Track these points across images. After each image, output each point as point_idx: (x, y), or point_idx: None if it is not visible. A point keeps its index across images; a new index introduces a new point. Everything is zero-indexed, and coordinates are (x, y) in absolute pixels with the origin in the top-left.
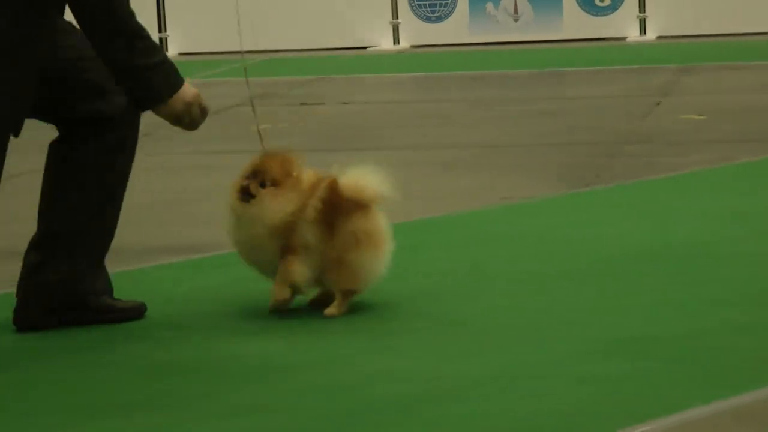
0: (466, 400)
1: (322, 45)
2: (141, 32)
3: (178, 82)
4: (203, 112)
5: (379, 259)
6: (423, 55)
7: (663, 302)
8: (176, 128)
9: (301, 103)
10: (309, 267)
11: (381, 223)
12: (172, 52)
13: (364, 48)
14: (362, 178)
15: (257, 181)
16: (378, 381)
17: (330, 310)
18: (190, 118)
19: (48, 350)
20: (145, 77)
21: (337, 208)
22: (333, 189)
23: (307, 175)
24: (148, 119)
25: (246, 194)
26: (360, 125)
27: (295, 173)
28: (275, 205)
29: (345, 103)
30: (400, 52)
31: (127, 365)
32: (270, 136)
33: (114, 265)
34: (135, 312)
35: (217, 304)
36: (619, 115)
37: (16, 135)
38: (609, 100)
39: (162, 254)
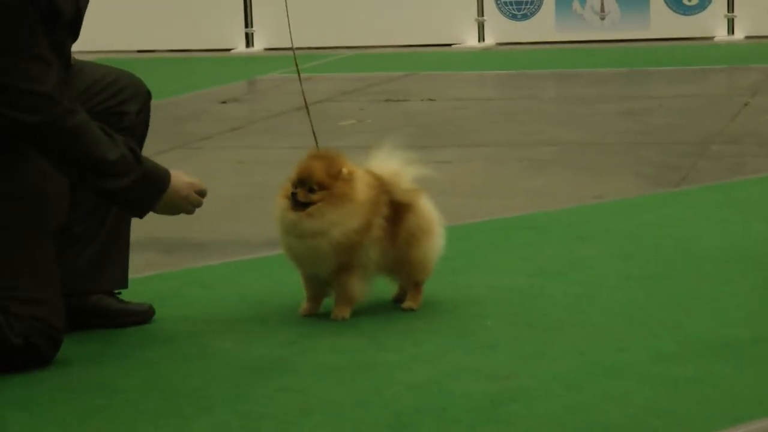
0: (543, 399)
1: (408, 41)
2: (105, 156)
3: (160, 187)
4: (201, 195)
5: (438, 244)
6: (508, 53)
7: (743, 305)
8: (269, 122)
9: (387, 99)
10: (367, 281)
11: (429, 210)
12: (258, 47)
13: (450, 45)
14: (401, 175)
15: (304, 189)
16: (460, 378)
17: (409, 304)
18: (190, 207)
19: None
20: (123, 197)
21: (397, 219)
22: (392, 202)
23: (359, 175)
24: (238, 113)
25: (297, 204)
26: (445, 122)
27: (344, 174)
28: (338, 219)
29: (430, 99)
30: (485, 50)
31: (219, 360)
32: (354, 132)
33: (200, 259)
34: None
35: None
36: (706, 116)
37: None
38: (696, 99)
39: (253, 248)
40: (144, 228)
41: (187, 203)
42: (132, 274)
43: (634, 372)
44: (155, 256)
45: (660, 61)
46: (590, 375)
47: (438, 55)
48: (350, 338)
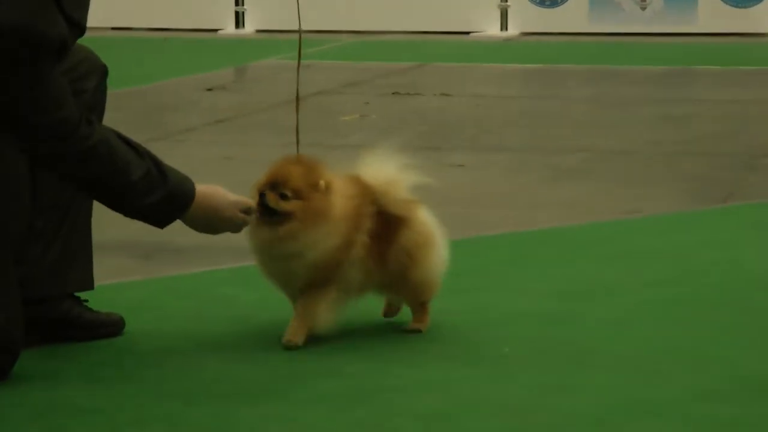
0: None
1: (421, 28)
2: (129, 176)
3: (182, 204)
4: (247, 213)
5: (440, 259)
6: (534, 45)
7: None
8: (261, 115)
9: (394, 93)
10: (338, 308)
11: (427, 223)
12: (249, 28)
13: (467, 33)
14: (395, 184)
15: (276, 193)
16: (472, 411)
17: (415, 325)
18: (234, 228)
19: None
20: (143, 215)
21: (389, 233)
22: (378, 215)
23: (337, 187)
24: (226, 103)
25: (266, 210)
26: (460, 121)
27: (321, 185)
28: (314, 240)
29: (444, 95)
30: (507, 40)
31: (198, 382)
32: (357, 129)
33: (179, 266)
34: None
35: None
36: (758, 123)
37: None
38: (747, 105)
39: (240, 256)
40: (118, 230)
41: (231, 224)
42: (101, 280)
43: (671, 411)
44: (129, 261)
45: (707, 60)
46: (621, 413)
47: (454, 45)
48: (348, 361)
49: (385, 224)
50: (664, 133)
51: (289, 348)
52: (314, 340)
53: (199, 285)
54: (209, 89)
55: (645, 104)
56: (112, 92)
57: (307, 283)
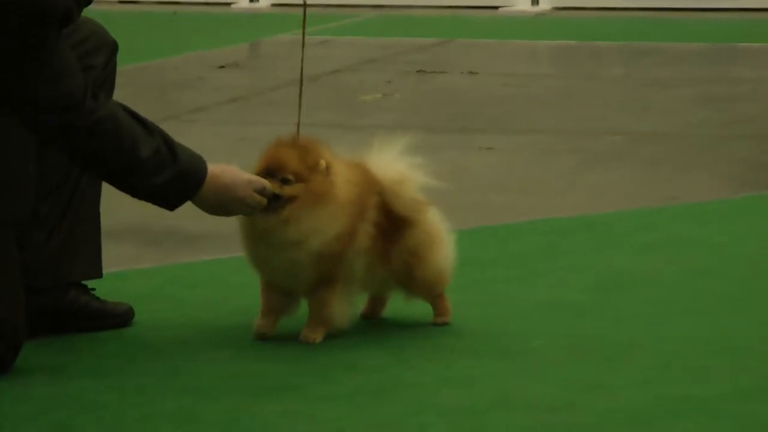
0: None
1: (447, 2)
2: (138, 153)
3: (193, 184)
4: (263, 194)
5: (448, 254)
6: (567, 20)
7: None
8: (276, 93)
9: (418, 71)
10: (350, 301)
11: (434, 222)
12: (264, 2)
13: (496, 8)
14: (404, 181)
15: (277, 180)
16: (501, 409)
17: (440, 319)
18: (248, 209)
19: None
20: (152, 196)
21: (389, 231)
22: (383, 208)
23: (338, 170)
24: (240, 81)
25: (271, 200)
26: (488, 101)
27: (321, 164)
28: (319, 225)
29: (471, 73)
30: (539, 15)
31: (210, 375)
32: (378, 110)
33: (190, 254)
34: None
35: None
36: None
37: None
38: None
39: None
40: (126, 214)
41: (244, 205)
42: (108, 268)
43: (712, 409)
44: (137, 248)
45: (751, 37)
46: (659, 410)
47: (482, 20)
48: (368, 356)
49: (390, 220)
50: (704, 114)
51: (308, 342)
52: (330, 334)
53: (212, 273)
54: (221, 66)
55: (684, 84)
56: (117, 69)
57: (313, 278)
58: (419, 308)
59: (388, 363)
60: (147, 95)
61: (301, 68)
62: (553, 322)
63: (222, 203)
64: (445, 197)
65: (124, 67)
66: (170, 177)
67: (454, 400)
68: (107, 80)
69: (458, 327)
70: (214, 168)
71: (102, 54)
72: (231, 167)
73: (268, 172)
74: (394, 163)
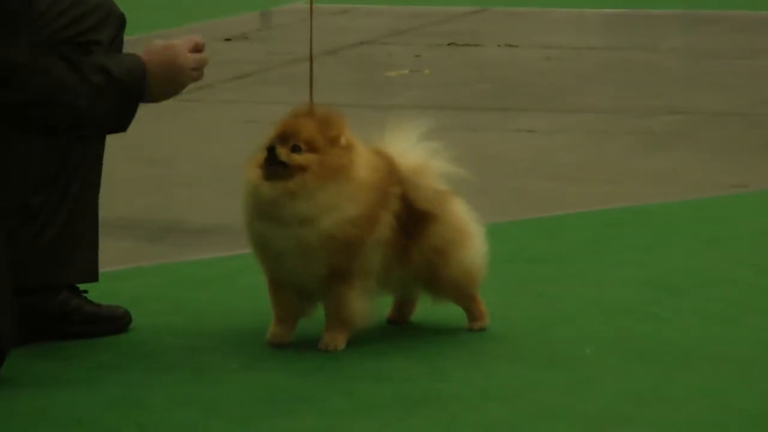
0: None
1: None
2: (76, 107)
3: (137, 95)
4: (199, 50)
5: (478, 252)
6: None
7: None
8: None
9: (450, 44)
10: (370, 298)
11: (460, 216)
12: None
13: None
14: (424, 170)
15: (287, 146)
16: (548, 423)
17: (477, 324)
18: (195, 74)
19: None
20: (100, 124)
21: (409, 226)
22: (404, 200)
23: (361, 151)
24: (248, 56)
25: (274, 163)
26: (529, 77)
27: (342, 140)
28: (333, 202)
29: (510, 45)
30: None
31: (220, 387)
32: (406, 86)
33: (194, 250)
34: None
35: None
36: None
37: None
38: None
39: None
40: (121, 207)
41: (188, 70)
42: (103, 266)
43: None
44: (135, 244)
45: None
46: (728, 425)
47: None
48: (397, 365)
49: (410, 214)
50: None
51: (329, 350)
52: (356, 339)
53: (217, 272)
54: (227, 39)
55: (751, 56)
56: None
57: (325, 270)
58: (453, 311)
59: (419, 373)
60: None
61: (311, 45)
62: (605, 325)
63: (167, 80)
64: (481, 186)
65: None
66: (114, 104)
67: (495, 414)
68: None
69: (498, 332)
70: (145, 54)
71: (109, 27)
72: (153, 44)
73: (280, 137)
74: (413, 150)
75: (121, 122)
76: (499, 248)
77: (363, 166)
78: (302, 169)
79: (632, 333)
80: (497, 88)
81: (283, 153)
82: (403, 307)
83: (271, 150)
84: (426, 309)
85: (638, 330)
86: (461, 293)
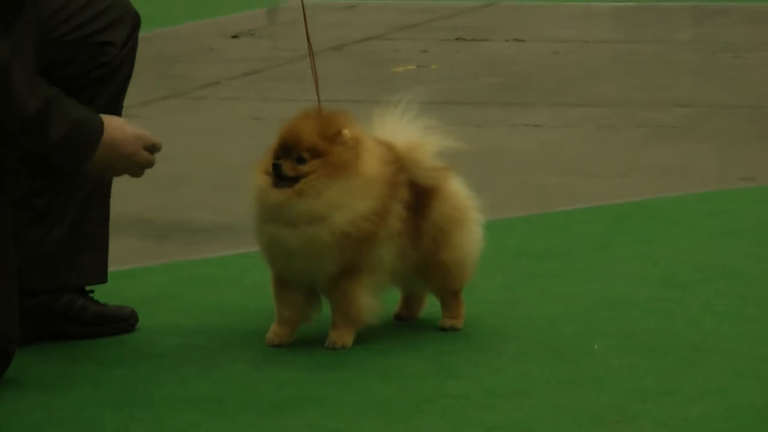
0: None
1: None
2: (22, 108)
3: (93, 136)
4: (152, 151)
5: (476, 236)
6: None
7: None
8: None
9: (458, 38)
10: (378, 294)
11: (460, 194)
12: None
13: None
14: (420, 146)
15: (291, 159)
16: (557, 421)
17: (451, 322)
18: (137, 168)
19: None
20: (50, 155)
21: (419, 209)
22: (411, 186)
23: (368, 144)
24: (255, 53)
25: (281, 179)
26: (538, 71)
27: (344, 137)
28: (341, 199)
29: (518, 40)
30: None
31: (226, 386)
32: (413, 82)
33: (200, 249)
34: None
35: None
36: None
37: None
38: None
39: None
40: (127, 205)
41: (132, 164)
42: (109, 266)
43: None
44: (141, 242)
45: None
46: (738, 420)
47: None
48: (405, 363)
49: (417, 196)
50: None
51: (336, 348)
52: (363, 337)
53: (224, 271)
54: (234, 36)
55: (761, 48)
56: None
57: (336, 267)
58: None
59: (427, 371)
60: (149, 69)
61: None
62: (614, 321)
63: (108, 161)
64: (489, 180)
65: None
66: (66, 130)
67: (503, 412)
68: (126, 61)
69: (506, 329)
70: (103, 119)
71: (122, 29)
72: (116, 119)
73: (283, 150)
74: (405, 129)
75: (66, 158)
76: (506, 243)
77: (370, 159)
78: (308, 174)
79: (641, 328)
80: (505, 83)
81: (288, 168)
82: (411, 302)
83: (276, 167)
84: (433, 306)
85: (647, 325)
86: (448, 284)
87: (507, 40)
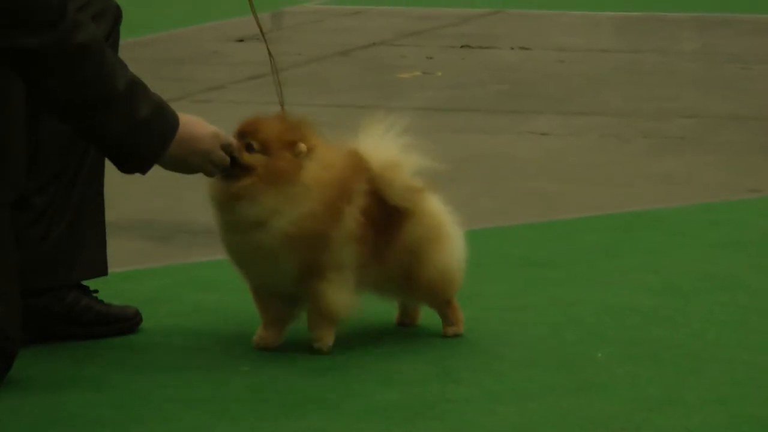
0: None
1: None
2: (115, 85)
3: (170, 127)
4: (227, 150)
5: (454, 254)
6: None
7: None
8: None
9: (463, 46)
10: (350, 289)
11: (435, 213)
12: None
13: None
14: (396, 165)
15: (242, 143)
16: (559, 428)
17: (452, 329)
18: (210, 167)
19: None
20: (125, 141)
21: (383, 226)
22: (376, 198)
23: (321, 155)
24: (260, 57)
25: (232, 165)
26: (543, 80)
27: (298, 149)
28: (278, 204)
29: (523, 48)
30: None
31: (230, 389)
32: (418, 88)
33: (204, 250)
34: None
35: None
36: None
37: None
38: None
39: None
40: (130, 207)
41: (207, 162)
42: (112, 267)
43: None
44: (144, 244)
45: None
46: (740, 430)
47: None
48: (408, 367)
49: (384, 213)
50: None
51: (322, 353)
52: (365, 341)
53: (226, 273)
54: (239, 40)
55: (766, 59)
56: (119, 42)
57: (295, 268)
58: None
59: (428, 376)
60: (154, 73)
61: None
62: (617, 329)
63: (184, 155)
64: (493, 188)
65: (126, 40)
66: (149, 114)
67: (506, 418)
68: None
69: (509, 335)
70: (179, 115)
71: (103, 23)
72: (193, 116)
73: (239, 133)
74: (384, 146)
75: (141, 147)
76: (510, 250)
77: (313, 168)
78: (249, 169)
79: (644, 337)
80: (510, 91)
81: (236, 148)
82: (407, 309)
83: (226, 147)
84: (434, 314)
85: (650, 334)
86: (436, 297)
87: (512, 48)
